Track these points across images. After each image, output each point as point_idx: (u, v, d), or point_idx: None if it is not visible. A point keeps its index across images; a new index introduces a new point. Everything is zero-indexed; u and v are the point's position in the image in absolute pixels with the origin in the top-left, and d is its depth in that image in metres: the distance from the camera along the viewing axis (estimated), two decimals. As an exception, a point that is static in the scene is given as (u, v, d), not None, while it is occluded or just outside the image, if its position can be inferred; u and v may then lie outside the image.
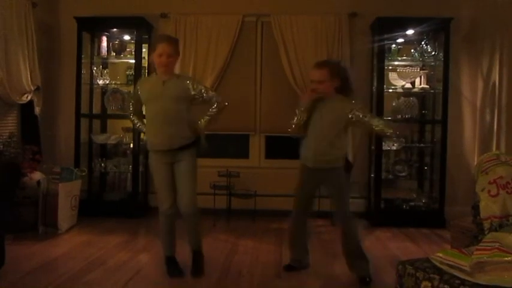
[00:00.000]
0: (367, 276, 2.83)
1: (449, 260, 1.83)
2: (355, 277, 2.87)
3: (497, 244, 1.77)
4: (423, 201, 4.60)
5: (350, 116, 2.81)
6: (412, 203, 4.61)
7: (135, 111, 3.08)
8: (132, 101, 3.09)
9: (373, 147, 4.55)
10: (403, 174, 4.62)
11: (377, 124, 2.82)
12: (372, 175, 4.57)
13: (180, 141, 2.83)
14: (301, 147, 3.00)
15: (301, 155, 2.99)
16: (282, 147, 5.18)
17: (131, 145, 4.71)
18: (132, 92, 3.11)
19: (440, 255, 1.89)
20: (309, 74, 2.96)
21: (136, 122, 3.08)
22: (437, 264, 1.87)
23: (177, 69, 4.67)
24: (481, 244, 1.87)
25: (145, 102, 2.94)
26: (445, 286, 1.75)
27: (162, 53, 2.79)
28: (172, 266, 2.94)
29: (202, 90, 2.91)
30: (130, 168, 4.65)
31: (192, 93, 2.87)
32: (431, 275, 1.83)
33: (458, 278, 1.75)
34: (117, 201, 4.72)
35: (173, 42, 2.88)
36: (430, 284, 1.81)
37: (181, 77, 3.07)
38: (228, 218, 4.59)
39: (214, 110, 2.96)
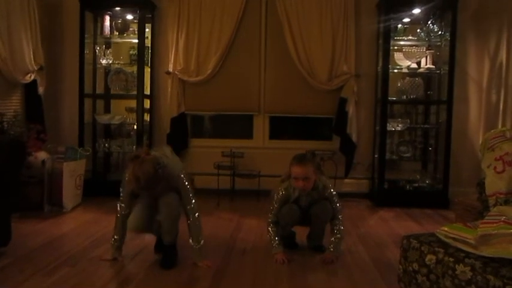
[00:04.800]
0: (322, 245, 3.02)
1: (454, 234, 1.83)
2: (311, 246, 3.06)
3: (504, 217, 1.77)
4: (427, 182, 4.60)
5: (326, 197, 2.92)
6: (416, 184, 4.61)
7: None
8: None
9: (377, 128, 4.53)
10: (407, 155, 4.62)
11: (336, 233, 2.88)
12: (376, 156, 4.57)
13: None
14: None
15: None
16: (286, 127, 5.19)
17: (135, 126, 4.71)
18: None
19: (446, 229, 1.89)
20: (291, 168, 2.83)
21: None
22: (442, 238, 1.87)
23: (181, 50, 4.70)
24: (486, 218, 1.87)
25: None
26: (450, 259, 1.76)
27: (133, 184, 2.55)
28: (158, 242, 2.93)
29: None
30: (134, 149, 4.65)
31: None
32: (436, 249, 1.83)
33: (463, 251, 1.76)
34: (121, 181, 4.72)
35: (150, 177, 2.50)
36: (434, 257, 1.82)
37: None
38: (232, 197, 4.61)
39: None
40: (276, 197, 2.95)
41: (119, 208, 2.78)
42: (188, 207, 2.71)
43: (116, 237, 2.77)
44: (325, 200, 2.92)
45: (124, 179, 2.72)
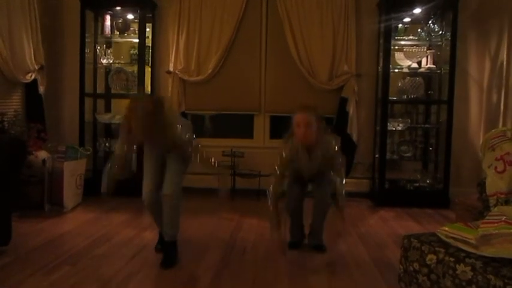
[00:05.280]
0: (322, 245, 3.04)
1: (455, 234, 1.83)
2: (311, 245, 3.06)
3: (504, 217, 1.76)
4: (427, 181, 4.59)
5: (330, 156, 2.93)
6: (417, 184, 4.61)
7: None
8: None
9: (378, 128, 4.53)
10: (408, 154, 4.61)
11: (339, 188, 2.93)
12: (377, 155, 4.56)
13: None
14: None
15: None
16: (287, 127, 5.17)
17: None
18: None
19: (446, 228, 1.89)
20: (294, 117, 2.89)
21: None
22: (443, 237, 1.87)
23: (181, 50, 4.70)
24: (487, 217, 1.87)
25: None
26: (450, 259, 1.76)
27: (130, 118, 2.51)
28: (161, 240, 2.93)
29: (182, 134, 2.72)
30: (134, 148, 4.64)
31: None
32: (437, 248, 1.83)
33: (464, 251, 1.75)
34: (121, 180, 4.71)
35: (147, 102, 2.59)
36: (435, 257, 1.82)
37: (171, 132, 2.65)
38: (232, 197, 4.61)
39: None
40: (279, 160, 2.94)
41: (115, 150, 2.86)
42: (187, 141, 2.69)
43: (109, 165, 2.83)
44: (331, 164, 2.93)
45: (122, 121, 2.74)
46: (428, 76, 4.64)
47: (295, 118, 2.86)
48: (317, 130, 2.85)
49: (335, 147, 2.93)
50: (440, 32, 4.48)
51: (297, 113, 2.87)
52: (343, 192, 2.93)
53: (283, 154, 2.92)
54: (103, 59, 4.74)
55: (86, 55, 4.64)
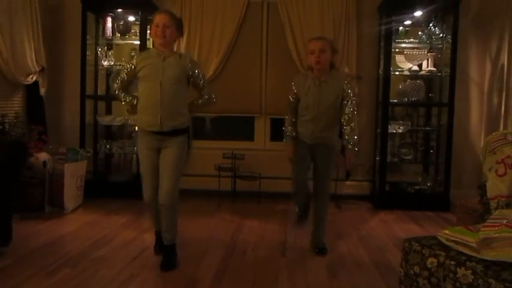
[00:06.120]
0: (324, 247, 3.04)
1: (456, 237, 1.83)
2: (313, 246, 3.06)
3: (505, 221, 1.76)
4: (428, 184, 4.59)
5: (342, 94, 2.93)
6: (417, 186, 4.60)
7: (122, 87, 2.85)
8: (123, 76, 2.81)
9: (378, 130, 4.53)
10: (409, 157, 4.61)
11: (350, 127, 2.91)
12: (377, 158, 4.56)
13: (172, 124, 2.66)
14: (297, 125, 3.07)
15: (298, 132, 3.06)
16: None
17: (136, 127, 4.70)
18: (126, 66, 2.84)
19: (447, 232, 1.88)
20: (308, 46, 3.01)
21: (123, 96, 2.85)
22: (444, 241, 1.86)
23: (182, 51, 4.69)
24: (488, 221, 1.86)
25: (142, 78, 2.70)
26: (451, 262, 1.75)
27: (158, 23, 2.66)
28: (158, 241, 2.92)
29: (200, 76, 2.81)
30: (135, 150, 4.65)
31: (190, 73, 2.75)
32: (437, 252, 1.83)
33: (465, 255, 1.75)
34: (122, 182, 4.73)
35: (172, 15, 2.76)
36: (435, 261, 1.82)
37: (183, 55, 2.83)
38: (233, 199, 4.60)
39: (201, 101, 2.91)
40: (290, 91, 3.05)
41: (117, 83, 2.88)
42: (201, 76, 2.83)
43: (127, 99, 2.85)
44: (342, 101, 2.93)
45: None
46: (429, 79, 4.64)
47: (309, 45, 2.94)
48: (330, 59, 2.91)
49: (346, 83, 2.95)
50: (441, 35, 4.48)
51: (312, 41, 2.95)
52: (355, 139, 2.90)
53: (292, 84, 3.03)
54: (104, 61, 4.75)
55: (87, 57, 4.64)
